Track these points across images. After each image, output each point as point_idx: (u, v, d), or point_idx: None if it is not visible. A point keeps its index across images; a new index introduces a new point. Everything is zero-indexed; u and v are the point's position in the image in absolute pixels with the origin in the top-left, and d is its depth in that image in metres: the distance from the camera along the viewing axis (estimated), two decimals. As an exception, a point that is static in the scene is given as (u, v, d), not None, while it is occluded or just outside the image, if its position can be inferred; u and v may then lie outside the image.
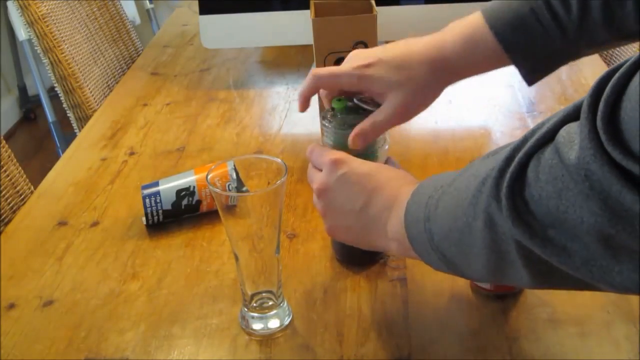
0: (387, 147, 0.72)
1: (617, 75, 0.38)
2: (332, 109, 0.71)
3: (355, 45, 0.90)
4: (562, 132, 0.42)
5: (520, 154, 0.44)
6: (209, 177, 0.66)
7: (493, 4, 0.66)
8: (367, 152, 0.71)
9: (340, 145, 0.70)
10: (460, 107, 1.14)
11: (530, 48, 0.64)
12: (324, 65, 0.91)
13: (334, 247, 0.79)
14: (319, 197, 0.65)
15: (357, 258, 0.78)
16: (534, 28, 0.63)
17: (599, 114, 0.37)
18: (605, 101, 0.37)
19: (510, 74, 1.25)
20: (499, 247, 0.47)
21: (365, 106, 0.70)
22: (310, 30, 0.89)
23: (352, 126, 0.69)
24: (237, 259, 0.67)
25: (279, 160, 0.66)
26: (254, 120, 1.16)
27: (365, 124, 0.68)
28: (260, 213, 0.65)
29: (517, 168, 0.44)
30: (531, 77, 0.67)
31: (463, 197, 0.50)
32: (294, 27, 1.20)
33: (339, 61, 0.90)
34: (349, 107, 0.71)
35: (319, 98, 0.94)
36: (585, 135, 0.38)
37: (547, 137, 0.43)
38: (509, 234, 0.45)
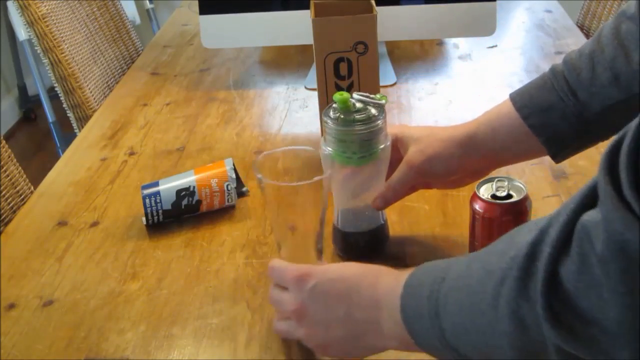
0: (389, 143, 0.73)
1: (627, 142, 0.36)
2: (334, 105, 0.72)
3: (355, 46, 0.90)
4: (585, 217, 0.40)
5: (549, 250, 0.41)
6: (256, 162, 0.68)
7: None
8: (370, 152, 0.71)
9: (342, 141, 0.70)
10: (460, 107, 1.14)
11: (544, 111, 0.66)
12: (324, 65, 0.91)
13: (334, 241, 0.79)
14: (299, 320, 0.61)
15: (358, 253, 0.78)
16: (547, 92, 0.66)
17: (624, 183, 0.36)
18: (627, 170, 0.36)
19: (509, 74, 1.25)
20: (533, 347, 0.45)
21: (365, 99, 0.71)
22: (310, 30, 0.89)
23: (354, 122, 0.70)
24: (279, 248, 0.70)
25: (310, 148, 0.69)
26: (254, 120, 1.16)
27: (386, 191, 0.74)
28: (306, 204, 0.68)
29: (548, 265, 0.41)
30: (552, 146, 0.68)
31: (479, 296, 0.47)
32: (294, 27, 1.20)
33: (338, 62, 0.90)
34: (352, 103, 0.71)
35: (319, 96, 0.94)
36: (611, 208, 0.37)
37: (569, 227, 0.41)
38: (548, 339, 0.42)
